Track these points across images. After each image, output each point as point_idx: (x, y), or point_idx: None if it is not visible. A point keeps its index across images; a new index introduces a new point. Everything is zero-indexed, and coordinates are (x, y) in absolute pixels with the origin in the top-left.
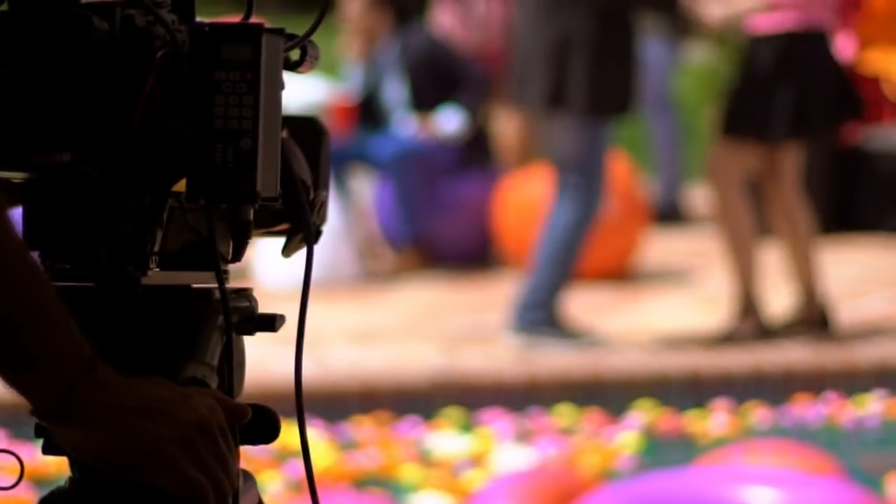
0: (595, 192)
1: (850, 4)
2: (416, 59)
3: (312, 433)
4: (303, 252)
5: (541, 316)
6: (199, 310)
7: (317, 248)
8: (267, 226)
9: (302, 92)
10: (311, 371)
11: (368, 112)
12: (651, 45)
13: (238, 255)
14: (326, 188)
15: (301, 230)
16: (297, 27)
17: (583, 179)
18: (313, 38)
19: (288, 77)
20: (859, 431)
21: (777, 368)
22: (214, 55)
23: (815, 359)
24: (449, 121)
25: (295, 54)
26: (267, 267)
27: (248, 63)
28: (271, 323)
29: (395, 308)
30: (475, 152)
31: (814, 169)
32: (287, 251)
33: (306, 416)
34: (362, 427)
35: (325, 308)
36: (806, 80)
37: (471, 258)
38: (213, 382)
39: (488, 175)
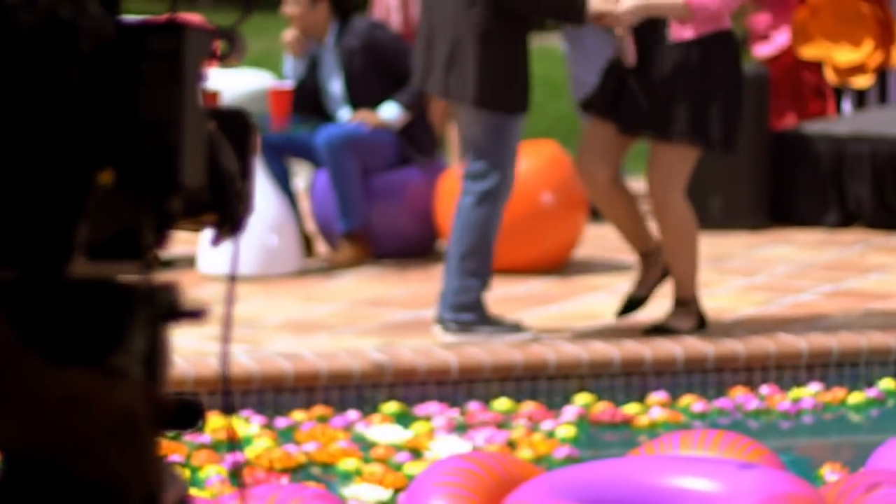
0: (500, 184)
1: None
2: (356, 52)
3: (251, 425)
4: (248, 240)
5: (470, 317)
6: (124, 301)
7: (254, 240)
8: (194, 216)
9: (242, 83)
10: (249, 363)
11: (308, 105)
12: (589, 34)
13: (162, 244)
14: (252, 179)
15: (227, 220)
16: (230, 20)
17: (488, 171)
18: (251, 31)
19: (229, 69)
20: (794, 421)
21: (713, 360)
22: (139, 48)
23: (750, 350)
24: (389, 111)
25: (224, 47)
26: (210, 253)
27: (172, 55)
28: (197, 315)
29: (334, 300)
30: (417, 143)
31: (751, 160)
32: (215, 241)
33: (245, 409)
34: (300, 419)
35: (263, 300)
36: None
37: (413, 251)
38: (138, 373)
39: (431, 166)
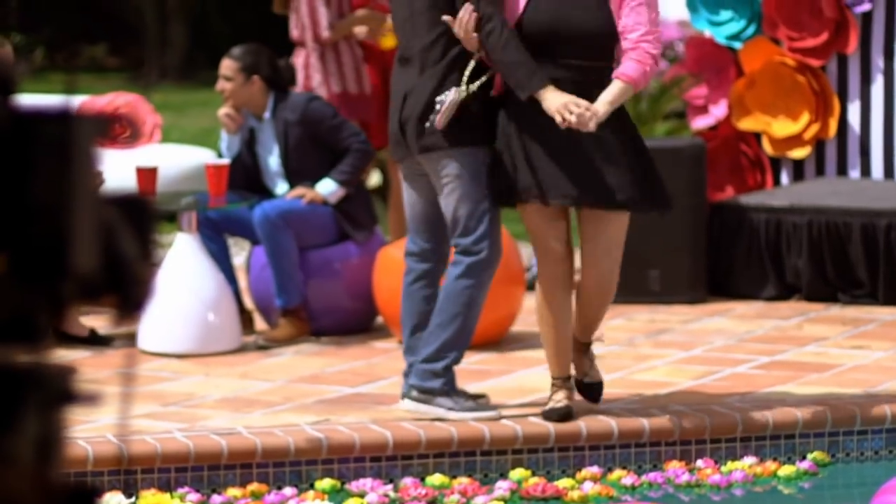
0: (489, 255)
1: (727, 68)
2: (293, 125)
3: (187, 502)
4: (186, 317)
5: (437, 385)
6: (16, 385)
7: (193, 316)
8: (92, 298)
9: (180, 159)
10: (185, 441)
11: (246, 180)
12: None
13: (58, 327)
14: (153, 263)
15: (126, 304)
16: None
17: (478, 241)
18: (193, 108)
19: (167, 146)
20: (725, 494)
21: (648, 433)
22: (32, 135)
23: (685, 424)
24: (326, 186)
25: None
26: (150, 331)
27: (63, 143)
28: (91, 399)
29: (271, 377)
30: (355, 218)
31: (689, 233)
32: (116, 323)
33: (182, 486)
34: (236, 496)
35: (201, 377)
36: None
37: (351, 327)
38: (29, 458)
39: (369, 242)
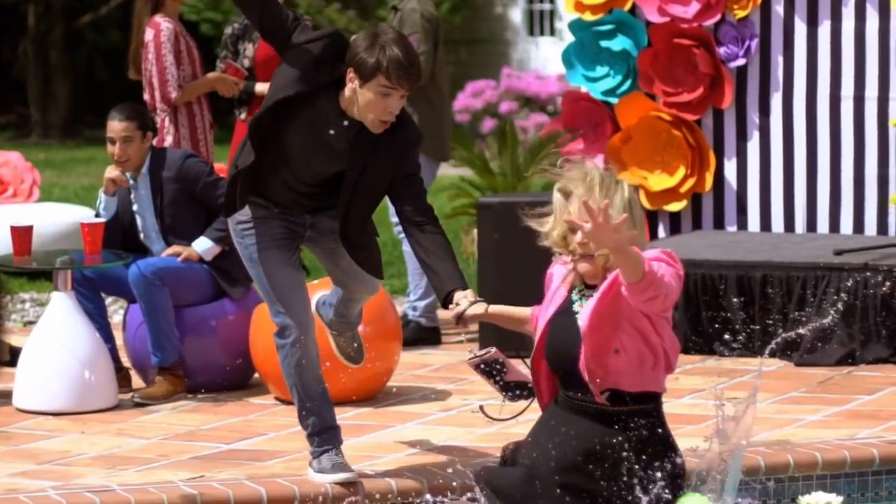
0: (283, 311)
1: (604, 123)
2: (169, 182)
3: None
4: (62, 375)
5: (310, 451)
6: None
7: (69, 374)
8: None
9: (56, 217)
10: (58, 498)
11: (122, 238)
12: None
13: None
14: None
15: None
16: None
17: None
18: (77, 165)
19: (47, 204)
20: None
21: None
22: None
23: None
24: (202, 244)
25: None
26: (23, 388)
27: None
28: None
29: (147, 434)
30: (230, 276)
31: None
32: None
33: None
34: None
35: (76, 435)
36: None
37: (228, 383)
38: None
39: (245, 299)
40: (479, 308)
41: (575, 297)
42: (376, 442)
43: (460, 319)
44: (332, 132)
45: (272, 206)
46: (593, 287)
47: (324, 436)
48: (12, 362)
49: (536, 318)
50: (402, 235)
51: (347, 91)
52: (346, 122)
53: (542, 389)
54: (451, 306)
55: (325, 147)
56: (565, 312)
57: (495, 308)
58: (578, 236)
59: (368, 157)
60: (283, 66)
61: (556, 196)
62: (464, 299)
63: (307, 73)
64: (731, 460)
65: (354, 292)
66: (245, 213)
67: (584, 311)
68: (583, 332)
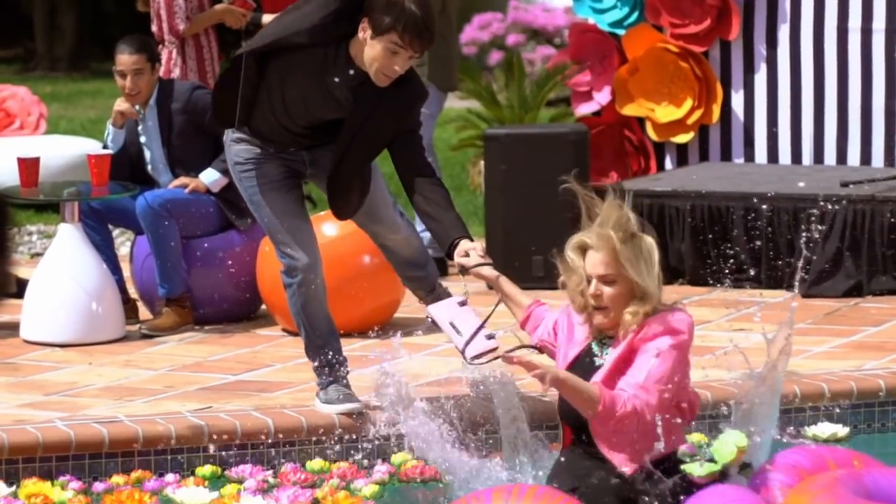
0: (290, 251)
1: (611, 55)
2: (177, 114)
3: (66, 491)
4: (70, 306)
5: (320, 378)
6: None
7: (77, 305)
8: None
9: (63, 150)
10: (66, 430)
11: (130, 170)
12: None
13: None
14: (7, 257)
15: None
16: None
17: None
18: (85, 98)
19: (54, 136)
20: None
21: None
22: None
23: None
24: (209, 176)
25: None
26: (31, 320)
27: None
28: None
29: (154, 366)
30: (237, 207)
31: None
32: None
33: (62, 475)
34: (119, 483)
35: (83, 367)
36: None
37: (235, 315)
38: None
39: (252, 230)
40: (489, 271)
41: (595, 347)
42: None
43: (465, 272)
44: (336, 80)
45: (267, 145)
46: (613, 337)
47: (331, 368)
48: (19, 294)
49: (531, 314)
50: None
51: (359, 39)
52: (351, 72)
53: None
54: (457, 256)
55: (324, 94)
56: (583, 364)
57: (502, 279)
58: (592, 287)
59: (371, 110)
60: (304, 7)
61: (571, 252)
62: (473, 251)
63: (325, 24)
64: (772, 391)
65: (378, 236)
66: (242, 154)
67: (596, 376)
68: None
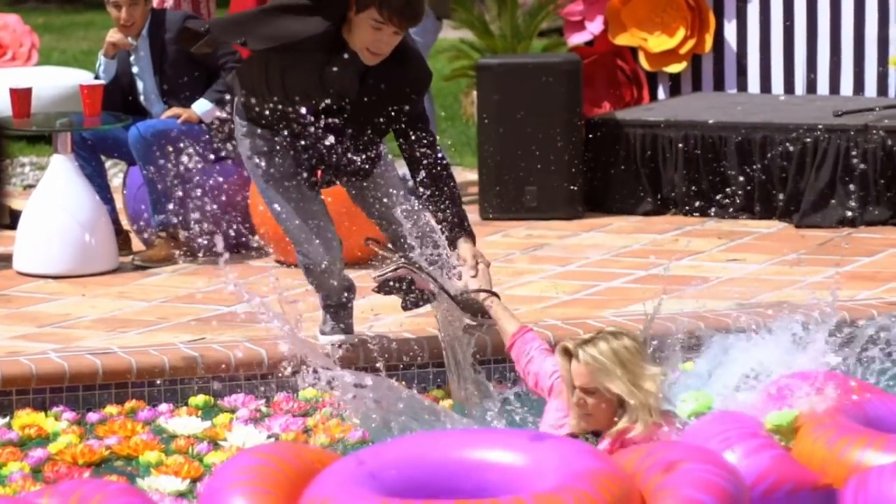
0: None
1: None
2: (169, 44)
3: (60, 421)
4: (62, 238)
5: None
6: None
7: (69, 237)
8: None
9: (56, 80)
10: (60, 361)
11: (123, 101)
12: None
13: None
14: (1, 190)
15: None
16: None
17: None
18: (77, 29)
19: (46, 67)
20: None
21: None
22: None
23: (559, 337)
24: (202, 106)
25: None
26: (24, 252)
27: None
28: None
29: (148, 297)
30: (231, 138)
31: (565, 149)
32: None
33: (56, 406)
34: (113, 414)
35: (77, 298)
36: None
37: (228, 246)
38: None
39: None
40: (488, 301)
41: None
42: (378, 302)
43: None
44: (334, 69)
45: (280, 136)
46: (597, 433)
47: (338, 310)
48: (12, 225)
49: (515, 342)
50: None
51: (349, 20)
52: (346, 55)
53: None
54: (457, 263)
55: (324, 85)
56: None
57: (494, 302)
58: (575, 397)
59: (370, 91)
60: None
61: (558, 355)
62: (474, 276)
63: (330, 30)
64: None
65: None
66: (253, 147)
67: None
68: None
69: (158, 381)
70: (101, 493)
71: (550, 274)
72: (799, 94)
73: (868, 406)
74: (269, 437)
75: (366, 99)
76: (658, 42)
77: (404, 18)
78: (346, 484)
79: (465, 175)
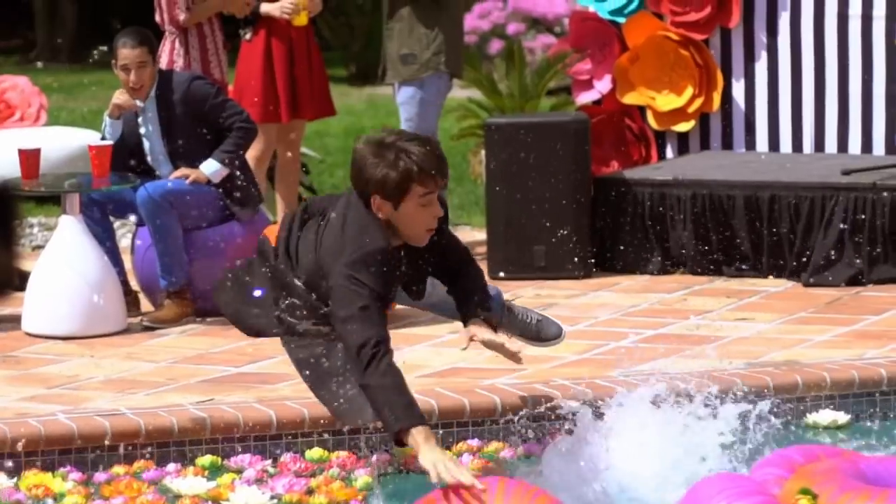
0: None
1: (611, 43)
2: (176, 105)
3: (67, 482)
4: (71, 299)
5: None
6: None
7: (78, 298)
8: None
9: (64, 141)
10: (68, 422)
11: (130, 161)
12: (432, 81)
13: None
14: (13, 248)
15: None
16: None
17: None
18: (84, 89)
19: (55, 128)
20: None
21: (530, 405)
22: None
23: (565, 396)
24: (210, 166)
25: None
26: (32, 313)
27: None
28: None
29: (156, 358)
30: (239, 197)
31: (573, 207)
32: None
33: (66, 467)
34: (118, 474)
35: (85, 359)
36: None
37: None
38: None
39: (253, 221)
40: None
41: None
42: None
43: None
44: (403, 268)
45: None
46: None
47: None
48: (21, 287)
49: None
50: None
51: (382, 219)
52: (401, 252)
53: None
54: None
55: (398, 282)
56: None
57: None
58: None
59: (415, 255)
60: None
61: None
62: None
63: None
64: None
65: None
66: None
67: None
68: None
69: (168, 443)
70: None
71: None
72: (807, 153)
73: (863, 464)
74: (271, 497)
75: (419, 262)
76: (666, 101)
77: (443, 173)
78: None
79: (474, 235)
